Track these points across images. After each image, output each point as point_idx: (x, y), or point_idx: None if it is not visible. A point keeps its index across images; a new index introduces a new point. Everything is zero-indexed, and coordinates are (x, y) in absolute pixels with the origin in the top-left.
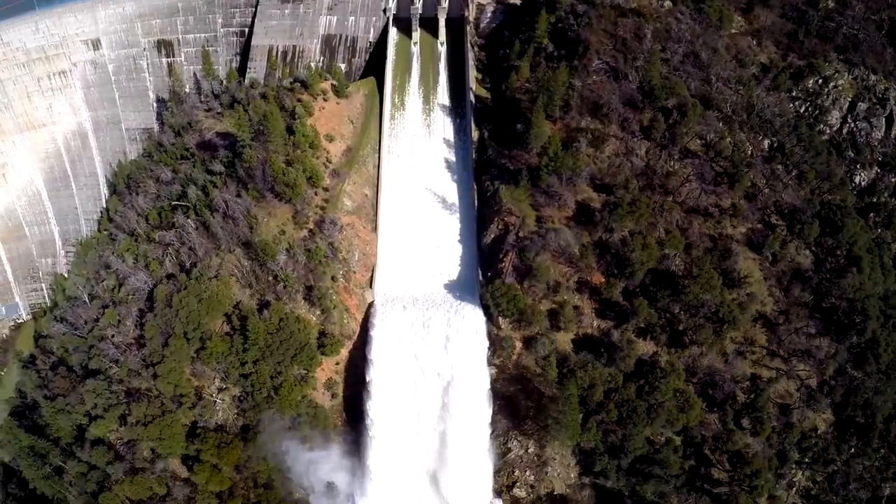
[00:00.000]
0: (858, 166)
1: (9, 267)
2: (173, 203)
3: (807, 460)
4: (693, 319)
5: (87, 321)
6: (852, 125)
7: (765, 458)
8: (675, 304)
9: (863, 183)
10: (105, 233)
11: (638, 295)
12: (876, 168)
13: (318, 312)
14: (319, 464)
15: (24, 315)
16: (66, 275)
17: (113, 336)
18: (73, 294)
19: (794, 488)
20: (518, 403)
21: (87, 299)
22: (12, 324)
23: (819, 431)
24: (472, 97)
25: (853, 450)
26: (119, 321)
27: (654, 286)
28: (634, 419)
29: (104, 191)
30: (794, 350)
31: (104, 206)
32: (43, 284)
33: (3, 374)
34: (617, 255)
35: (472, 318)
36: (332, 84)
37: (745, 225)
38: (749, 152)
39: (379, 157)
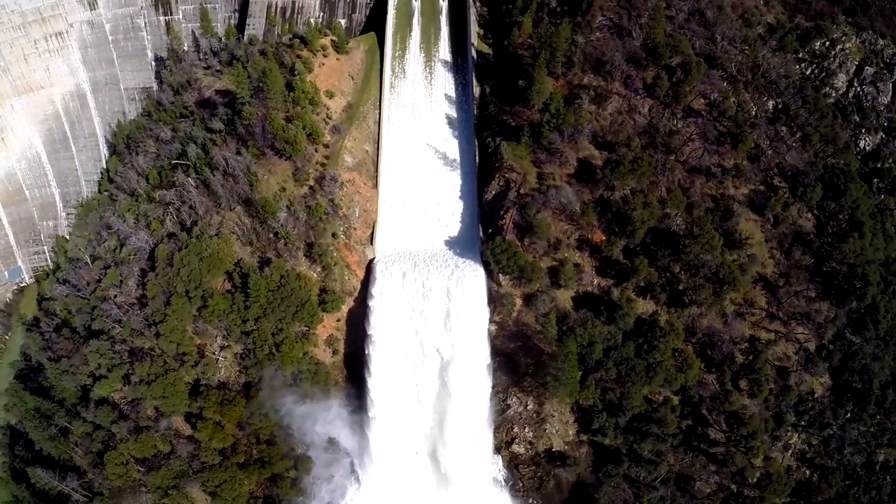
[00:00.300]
0: (863, 131)
1: (10, 231)
2: (173, 162)
3: (803, 423)
4: (693, 279)
5: (89, 282)
6: (858, 89)
7: (761, 420)
8: (676, 263)
9: (867, 148)
10: (105, 193)
11: (638, 253)
12: (881, 133)
13: (318, 269)
14: (320, 419)
15: (27, 278)
16: (67, 237)
17: (115, 296)
18: (74, 256)
19: (790, 451)
20: (518, 360)
21: (88, 260)
22: (15, 287)
23: (816, 395)
24: (473, 53)
25: (849, 415)
26: (121, 281)
27: (655, 245)
28: (633, 378)
29: (104, 151)
30: (794, 313)
31: (104, 166)
32: (45, 247)
33: (7, 337)
34: (618, 213)
35: (473, 275)
36: (331, 40)
37: (748, 186)
38: (753, 113)
39: (380, 113)
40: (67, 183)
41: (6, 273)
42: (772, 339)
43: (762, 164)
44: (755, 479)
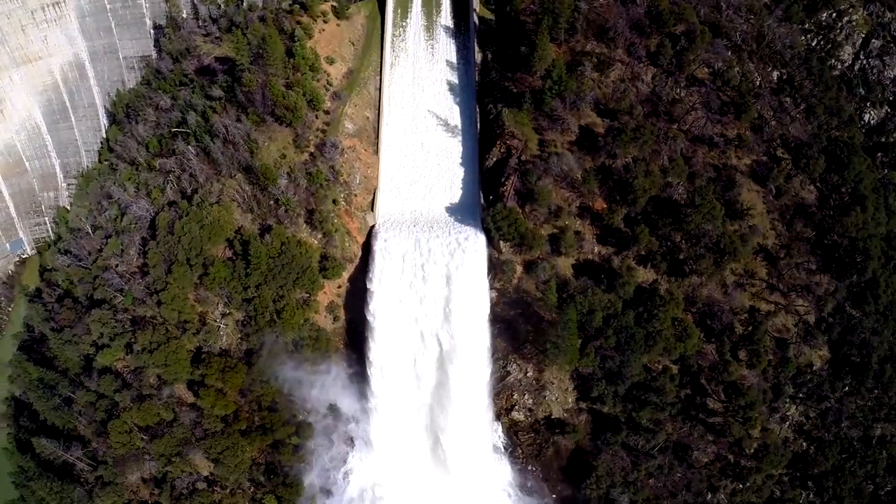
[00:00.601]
0: (868, 104)
1: (11, 202)
2: (173, 130)
3: (801, 395)
4: (694, 249)
5: (90, 252)
6: (864, 62)
7: (760, 391)
8: (677, 232)
9: (872, 122)
10: (106, 163)
11: (639, 222)
12: (886, 107)
13: (319, 236)
14: (321, 385)
15: (29, 250)
16: (68, 207)
17: (117, 265)
18: (75, 226)
19: (787, 422)
20: (518, 327)
21: (90, 230)
22: (17, 259)
23: (814, 368)
24: (475, 19)
25: (847, 388)
26: (122, 250)
27: (656, 214)
28: (632, 346)
29: (103, 121)
30: (794, 285)
31: (104, 136)
32: (46, 218)
33: (10, 309)
34: (619, 181)
35: (474, 242)
36: (332, 5)
37: (750, 156)
38: (757, 83)
39: (381, 80)
40: (67, 153)
41: (8, 245)
42: (771, 311)
43: (765, 135)
44: (752, 450)
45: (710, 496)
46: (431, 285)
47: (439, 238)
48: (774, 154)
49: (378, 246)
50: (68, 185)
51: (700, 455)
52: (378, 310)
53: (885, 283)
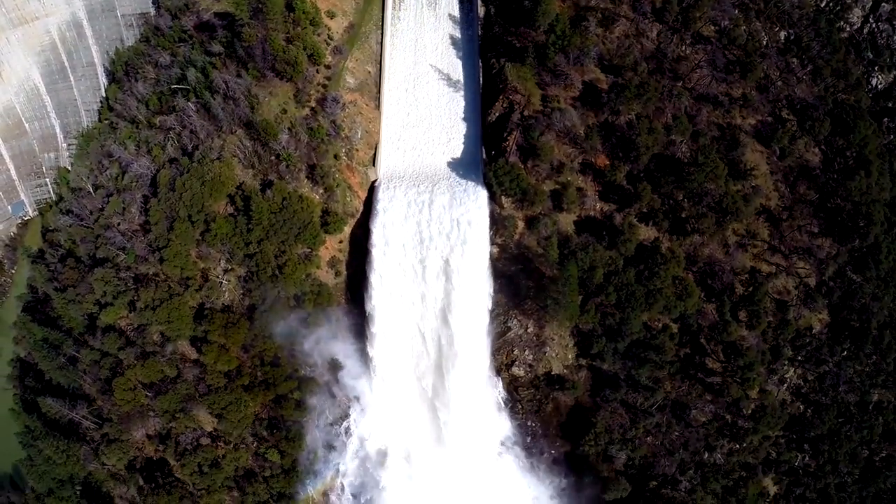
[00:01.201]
0: (876, 69)
1: (11, 165)
2: (173, 87)
3: (800, 358)
4: (696, 208)
5: (92, 211)
6: (874, 25)
7: (759, 352)
8: (679, 191)
9: (879, 86)
10: (106, 122)
11: (642, 179)
12: (894, 72)
13: (321, 191)
14: (323, 341)
15: (31, 212)
16: (69, 168)
17: (119, 224)
18: (76, 186)
19: (785, 385)
20: (519, 283)
21: (91, 190)
22: (19, 221)
23: (814, 331)
24: None
25: (846, 353)
26: (124, 209)
27: (659, 172)
28: (633, 303)
29: (103, 80)
30: (796, 247)
31: (103, 95)
32: (47, 179)
33: (13, 271)
34: (622, 137)
35: (475, 197)
36: None
37: (755, 117)
38: (764, 42)
39: (382, 34)
40: (67, 114)
41: (10, 207)
42: (772, 272)
43: (771, 95)
44: (750, 411)
45: (706, 455)
46: (433, 241)
47: (441, 193)
48: (780, 115)
49: (380, 201)
50: (68, 145)
51: (698, 414)
52: (379, 264)
53: (887, 249)
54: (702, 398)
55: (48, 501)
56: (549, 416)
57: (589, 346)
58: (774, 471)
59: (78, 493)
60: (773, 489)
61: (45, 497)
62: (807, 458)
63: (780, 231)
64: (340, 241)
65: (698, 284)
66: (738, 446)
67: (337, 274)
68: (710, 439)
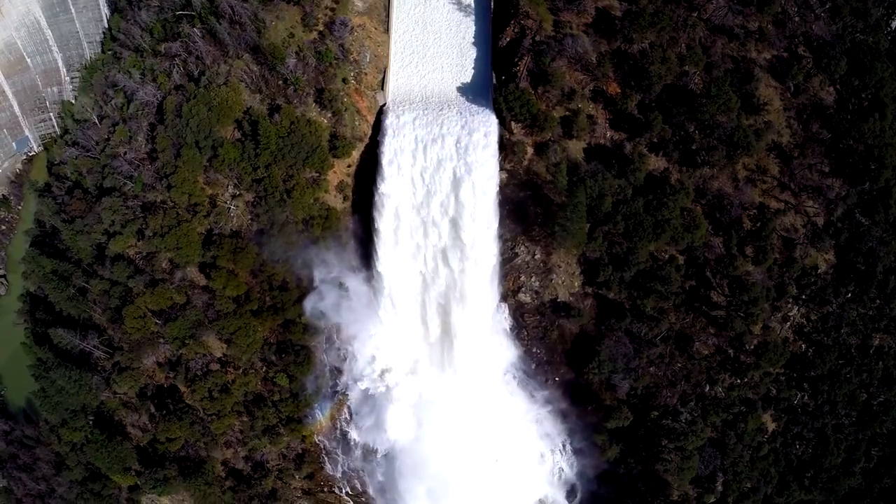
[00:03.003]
0: None
1: (15, 101)
2: (177, 13)
3: (804, 297)
4: (707, 140)
5: (98, 142)
6: None
7: (764, 288)
8: (691, 122)
9: None
10: (109, 53)
11: (653, 109)
12: None
13: (329, 115)
14: (331, 264)
15: (36, 147)
16: (72, 101)
17: (125, 153)
18: (81, 117)
19: (788, 323)
20: (527, 209)
21: (96, 120)
22: (24, 157)
23: (819, 271)
24: None
25: (850, 295)
26: (130, 137)
27: (671, 102)
28: (640, 233)
29: (104, 11)
30: (805, 185)
31: (106, 25)
32: (51, 114)
33: (20, 207)
34: (635, 66)
35: (485, 122)
36: None
37: (771, 51)
38: None
39: None
40: (69, 47)
41: (14, 144)
42: (781, 209)
43: (787, 31)
44: (752, 346)
45: (708, 388)
46: (441, 165)
47: (450, 117)
48: (795, 51)
49: (388, 124)
50: (72, 78)
51: (701, 347)
52: (387, 188)
53: None
54: (705, 331)
55: (61, 432)
56: (553, 344)
57: (595, 275)
58: (774, 408)
59: (91, 422)
60: (771, 426)
61: (58, 428)
62: (806, 398)
63: (790, 168)
64: (349, 166)
65: (706, 217)
66: (738, 381)
67: (345, 198)
68: (711, 372)
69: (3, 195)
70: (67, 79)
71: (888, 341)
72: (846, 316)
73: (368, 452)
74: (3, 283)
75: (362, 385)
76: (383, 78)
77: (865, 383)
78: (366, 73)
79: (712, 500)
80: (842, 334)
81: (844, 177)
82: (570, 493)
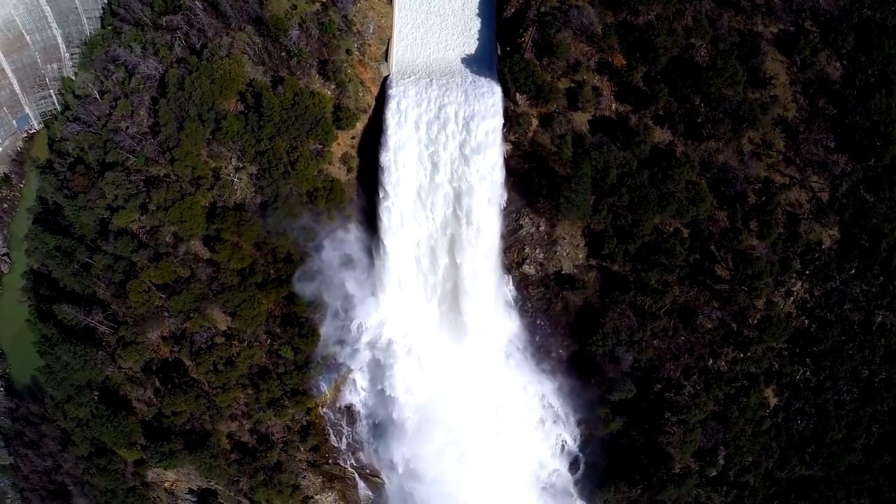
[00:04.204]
0: None
1: (14, 79)
2: None
3: (807, 272)
4: (713, 113)
5: (99, 117)
6: None
7: (768, 263)
8: (696, 95)
9: None
10: (109, 28)
11: (659, 81)
12: None
13: (332, 86)
14: (335, 236)
15: (36, 124)
16: (73, 77)
17: (127, 127)
18: (82, 93)
19: (792, 298)
20: (531, 181)
21: (97, 95)
22: (25, 135)
23: (823, 247)
24: None
25: (853, 271)
26: (132, 112)
27: (676, 75)
28: (645, 206)
29: None
30: (811, 160)
31: (105, 1)
32: (51, 91)
33: (21, 185)
34: (641, 38)
35: (489, 93)
36: None
37: (777, 25)
38: None
39: None
40: (69, 23)
41: (14, 122)
42: (786, 184)
43: (794, 5)
44: (755, 321)
45: (711, 361)
46: (445, 136)
47: (454, 89)
48: (802, 25)
49: (392, 96)
50: (71, 55)
51: (704, 321)
52: (392, 160)
53: None
54: (709, 305)
55: (67, 408)
56: (557, 316)
57: (600, 247)
58: (776, 382)
59: (96, 398)
60: (773, 400)
61: (63, 404)
62: (808, 373)
63: (796, 143)
64: (353, 138)
65: (711, 191)
66: (741, 355)
67: (349, 170)
68: (715, 346)
69: (4, 173)
70: (67, 55)
71: (891, 318)
72: (849, 292)
73: (372, 423)
74: (6, 262)
75: (367, 356)
76: (387, 49)
77: (867, 360)
78: (369, 45)
79: (714, 473)
80: (845, 310)
81: (850, 153)
82: (573, 465)
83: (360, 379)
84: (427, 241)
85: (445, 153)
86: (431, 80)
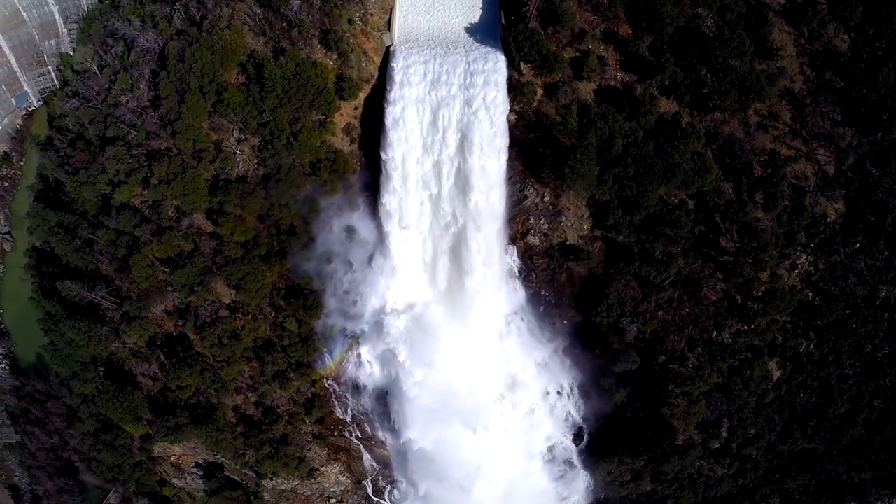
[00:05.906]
0: None
1: (12, 56)
2: None
3: (812, 246)
4: (719, 84)
5: (99, 92)
6: None
7: (773, 235)
8: (703, 66)
9: None
10: (107, 2)
11: (665, 51)
12: None
13: (335, 57)
14: (339, 208)
15: (35, 102)
16: (71, 53)
17: (127, 101)
18: (81, 68)
19: (797, 271)
20: (536, 151)
21: (96, 70)
22: (24, 112)
23: (828, 220)
24: None
25: (858, 245)
26: (132, 85)
27: (683, 45)
28: (651, 176)
29: None
30: (817, 133)
31: None
32: (49, 67)
33: (22, 163)
34: (647, 7)
35: (493, 62)
36: None
37: None
38: None
39: None
40: None
41: (13, 99)
42: (792, 156)
43: None
44: (760, 293)
45: (715, 333)
46: (449, 106)
47: (458, 57)
48: None
49: (395, 65)
50: (69, 30)
51: (709, 292)
52: (395, 128)
53: None
54: (714, 276)
55: (72, 384)
56: (562, 286)
57: (605, 218)
58: (779, 355)
59: (101, 373)
60: (776, 373)
61: (69, 381)
62: (811, 347)
63: (802, 115)
64: (355, 108)
65: (717, 162)
66: (745, 328)
67: (352, 141)
68: (719, 318)
69: (4, 151)
70: (65, 31)
71: (895, 293)
72: (854, 266)
73: (377, 395)
74: (8, 240)
75: (371, 328)
76: (390, 18)
77: (871, 334)
78: (372, 14)
79: (717, 445)
80: (849, 284)
81: (856, 126)
82: (577, 437)
83: (365, 350)
84: (431, 211)
85: (450, 122)
86: (435, 50)
